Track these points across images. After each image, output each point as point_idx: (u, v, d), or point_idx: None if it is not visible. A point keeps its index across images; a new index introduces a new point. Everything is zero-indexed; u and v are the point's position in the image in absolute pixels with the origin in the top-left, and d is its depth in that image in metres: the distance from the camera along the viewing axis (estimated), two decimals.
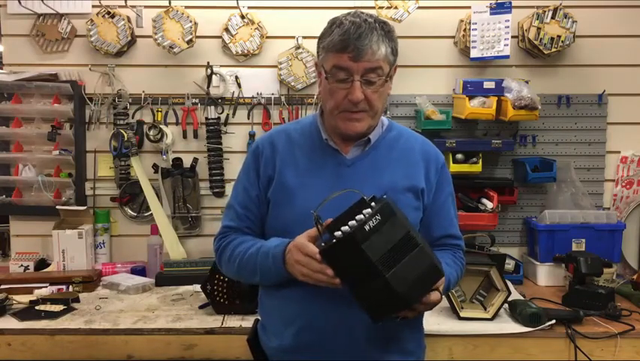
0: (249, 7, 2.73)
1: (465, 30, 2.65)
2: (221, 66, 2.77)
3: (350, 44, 1.39)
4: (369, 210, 1.28)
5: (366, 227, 1.25)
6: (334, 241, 1.27)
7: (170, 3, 2.65)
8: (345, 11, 1.50)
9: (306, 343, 1.47)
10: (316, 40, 1.52)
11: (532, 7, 2.68)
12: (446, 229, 1.60)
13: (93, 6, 2.73)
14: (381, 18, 1.49)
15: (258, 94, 2.77)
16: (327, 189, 1.41)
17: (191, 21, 2.64)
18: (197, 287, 2.34)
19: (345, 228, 1.27)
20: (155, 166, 2.77)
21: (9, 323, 2.09)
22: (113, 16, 2.68)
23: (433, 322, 2.08)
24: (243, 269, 1.53)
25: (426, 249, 1.33)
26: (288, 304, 1.50)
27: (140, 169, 2.72)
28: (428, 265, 1.32)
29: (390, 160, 1.55)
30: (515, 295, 2.31)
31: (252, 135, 2.77)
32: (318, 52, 1.53)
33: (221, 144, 2.77)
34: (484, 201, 2.64)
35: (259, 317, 1.66)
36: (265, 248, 1.47)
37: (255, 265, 1.48)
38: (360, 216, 1.27)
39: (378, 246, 1.26)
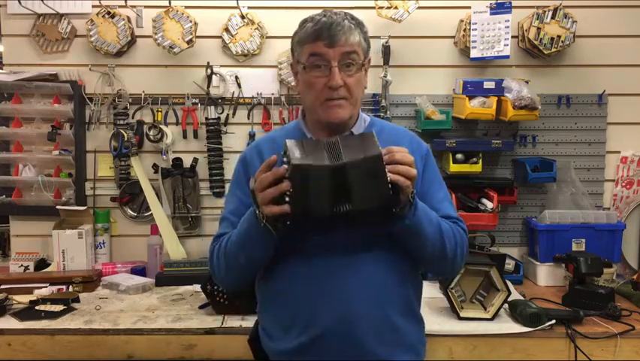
0: (249, 7, 2.73)
1: (465, 30, 2.65)
2: (221, 66, 2.77)
3: (324, 32, 1.45)
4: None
5: (297, 154, 1.30)
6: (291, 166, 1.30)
7: (170, 3, 2.65)
8: (340, 11, 1.52)
9: (309, 344, 1.46)
10: None
11: (532, 7, 2.68)
12: (435, 210, 1.52)
13: (93, 6, 2.73)
14: (350, 13, 1.53)
15: (258, 94, 2.77)
16: None
17: (191, 21, 2.65)
18: (197, 287, 2.34)
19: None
20: (155, 166, 2.77)
21: (9, 323, 2.09)
22: (113, 16, 2.68)
23: (433, 322, 2.08)
24: (230, 255, 1.49)
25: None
26: (286, 309, 1.50)
27: (140, 169, 2.72)
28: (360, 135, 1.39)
29: None
30: (515, 295, 2.31)
31: (252, 135, 2.77)
32: (293, 50, 1.56)
33: (221, 144, 2.77)
34: (484, 201, 2.64)
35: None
36: (242, 219, 1.47)
37: (238, 239, 1.46)
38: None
39: (319, 156, 1.31)
